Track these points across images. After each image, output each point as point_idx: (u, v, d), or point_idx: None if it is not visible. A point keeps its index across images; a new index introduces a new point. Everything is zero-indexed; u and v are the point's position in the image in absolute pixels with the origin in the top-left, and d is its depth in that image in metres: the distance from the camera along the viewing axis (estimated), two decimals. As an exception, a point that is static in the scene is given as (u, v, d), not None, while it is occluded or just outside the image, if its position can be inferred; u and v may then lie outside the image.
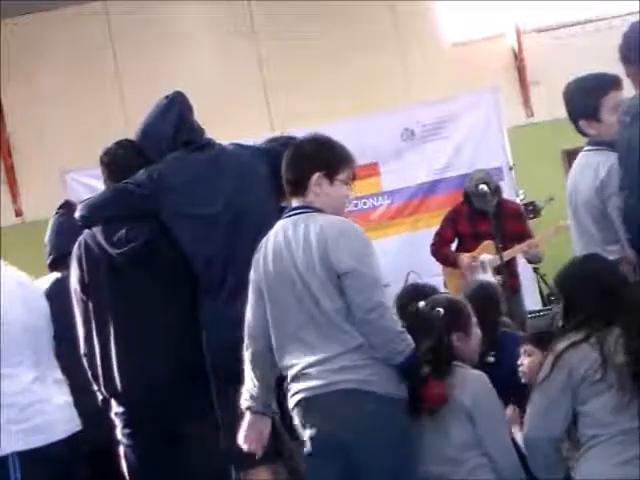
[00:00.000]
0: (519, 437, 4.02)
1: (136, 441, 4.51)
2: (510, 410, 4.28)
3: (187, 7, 11.03)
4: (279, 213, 4.52)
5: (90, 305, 4.56)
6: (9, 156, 11.22)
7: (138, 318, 4.47)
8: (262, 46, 11.08)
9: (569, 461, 3.78)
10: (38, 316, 3.92)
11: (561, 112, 4.71)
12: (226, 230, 4.44)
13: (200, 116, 4.76)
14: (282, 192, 4.68)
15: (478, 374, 3.94)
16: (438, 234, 7.88)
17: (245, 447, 3.89)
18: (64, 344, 4.05)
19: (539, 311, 8.43)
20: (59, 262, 4.98)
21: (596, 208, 4.46)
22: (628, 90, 4.43)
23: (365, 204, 9.67)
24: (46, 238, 5.12)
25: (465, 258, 7.60)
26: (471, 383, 3.87)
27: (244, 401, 3.88)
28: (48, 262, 5.06)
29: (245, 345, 3.88)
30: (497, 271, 7.36)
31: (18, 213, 10.78)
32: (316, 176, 3.76)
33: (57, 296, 4.41)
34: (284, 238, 3.75)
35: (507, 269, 7.35)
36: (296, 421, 3.77)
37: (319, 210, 3.76)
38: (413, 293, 4.80)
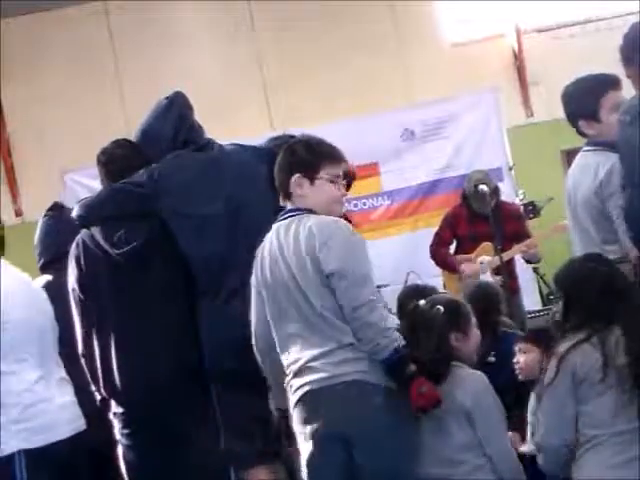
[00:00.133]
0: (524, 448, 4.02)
1: (135, 441, 4.51)
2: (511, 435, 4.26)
3: (187, 7, 11.03)
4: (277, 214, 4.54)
5: (89, 305, 4.56)
6: (9, 156, 11.22)
7: (138, 318, 4.47)
8: (262, 46, 11.08)
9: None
10: (43, 316, 3.94)
11: (561, 112, 4.71)
12: (225, 231, 4.44)
13: (200, 116, 4.76)
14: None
15: (478, 375, 3.93)
16: (437, 235, 7.88)
17: None
18: (59, 346, 4.06)
19: (539, 311, 8.43)
20: (50, 265, 4.95)
21: (595, 208, 4.46)
22: (628, 91, 4.43)
23: (365, 204, 9.68)
24: (35, 240, 5.09)
25: (466, 267, 7.59)
26: (471, 384, 3.87)
27: (271, 401, 4.01)
28: (39, 265, 5.02)
29: (254, 349, 3.96)
30: (496, 272, 7.36)
31: (18, 213, 10.77)
32: (294, 178, 3.80)
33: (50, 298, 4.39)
34: (277, 241, 3.80)
35: (506, 270, 7.35)
36: (298, 417, 3.76)
37: (310, 211, 3.79)
38: (413, 293, 4.80)
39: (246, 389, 4.35)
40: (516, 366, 4.32)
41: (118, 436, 4.54)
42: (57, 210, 5.17)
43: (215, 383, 4.43)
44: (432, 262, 7.96)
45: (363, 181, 8.66)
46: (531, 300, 8.86)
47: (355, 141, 8.08)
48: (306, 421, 3.73)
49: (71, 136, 10.74)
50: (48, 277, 4.84)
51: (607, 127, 4.48)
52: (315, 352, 3.67)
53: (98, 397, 4.54)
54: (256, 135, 7.79)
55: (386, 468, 3.63)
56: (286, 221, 3.81)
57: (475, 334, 4.10)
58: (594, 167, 4.48)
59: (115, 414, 4.53)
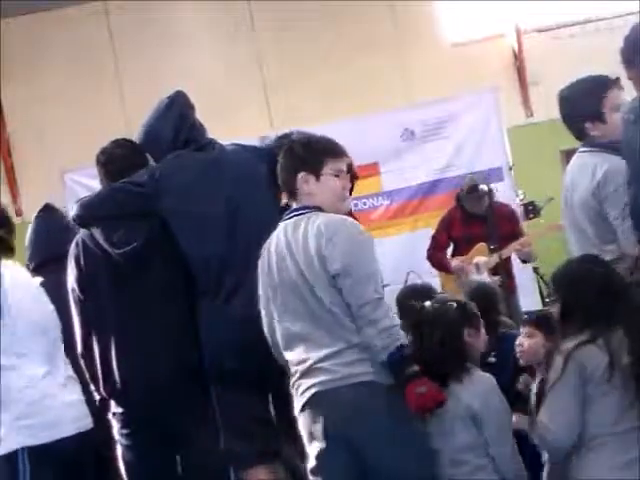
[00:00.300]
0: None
1: (135, 441, 4.51)
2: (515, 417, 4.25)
3: (187, 7, 11.03)
4: (279, 213, 4.54)
5: (88, 305, 4.56)
6: (9, 156, 11.22)
7: (138, 318, 4.47)
8: (262, 46, 11.08)
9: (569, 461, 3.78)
10: (48, 314, 3.95)
11: (561, 112, 4.72)
12: (225, 231, 4.44)
13: (200, 116, 4.76)
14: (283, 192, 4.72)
15: (487, 376, 3.93)
16: (433, 239, 7.92)
17: None
18: None
19: (539, 311, 8.42)
20: (40, 268, 4.89)
21: (593, 209, 4.47)
22: (628, 91, 4.43)
23: (365, 204, 9.66)
24: (26, 242, 5.02)
25: (455, 261, 7.63)
26: (480, 385, 3.86)
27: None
28: (31, 268, 4.93)
29: (270, 346, 3.93)
30: (493, 272, 7.37)
31: (18, 213, 10.77)
32: (300, 175, 3.80)
33: None
34: (285, 239, 3.79)
35: (503, 270, 7.36)
36: (305, 419, 3.73)
37: (318, 208, 3.79)
38: (411, 293, 4.80)
39: (246, 389, 4.35)
40: (518, 349, 4.28)
41: (117, 436, 4.54)
42: (47, 211, 5.15)
43: (215, 383, 4.43)
44: (431, 264, 7.98)
45: (363, 181, 8.60)
46: (531, 300, 8.83)
47: (355, 141, 8.01)
48: (314, 423, 3.70)
49: (71, 136, 10.73)
50: (40, 279, 4.75)
51: (612, 127, 4.49)
52: (324, 352, 3.65)
53: (97, 397, 4.54)
54: (256, 135, 7.83)
55: (401, 469, 3.60)
56: (294, 219, 3.80)
57: (483, 333, 4.11)
58: (592, 168, 4.49)
59: (114, 414, 4.53)
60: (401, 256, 9.15)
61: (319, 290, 3.66)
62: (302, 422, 3.75)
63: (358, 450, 3.63)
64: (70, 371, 3.93)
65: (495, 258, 7.41)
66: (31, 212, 5.21)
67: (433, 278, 7.57)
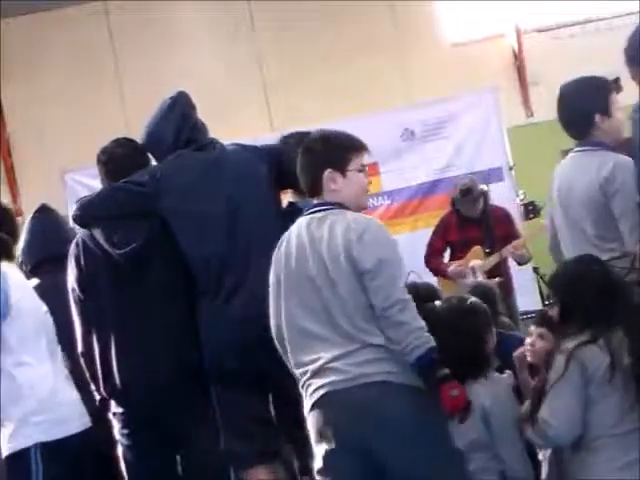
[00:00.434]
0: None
1: (135, 441, 4.51)
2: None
3: (187, 7, 11.03)
4: (280, 214, 4.54)
5: (88, 305, 4.56)
6: (9, 156, 11.22)
7: (138, 318, 4.47)
8: (262, 46, 11.07)
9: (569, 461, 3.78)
10: (44, 314, 3.97)
11: (561, 112, 4.71)
12: (225, 230, 4.43)
13: (200, 116, 4.76)
14: (283, 192, 4.73)
15: (500, 376, 3.94)
16: (429, 245, 7.93)
17: None
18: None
19: (539, 311, 8.42)
20: (36, 269, 4.86)
21: (597, 203, 4.43)
22: (629, 91, 4.43)
23: (365, 204, 9.66)
24: (21, 243, 4.93)
25: (452, 267, 7.63)
26: (492, 384, 3.86)
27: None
28: (28, 268, 4.87)
29: (275, 341, 3.83)
30: (490, 275, 7.37)
31: (18, 213, 10.67)
32: (327, 173, 3.75)
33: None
34: (308, 234, 3.72)
35: (500, 271, 7.38)
36: (315, 420, 3.66)
37: (341, 205, 3.74)
38: (416, 293, 4.79)
39: (246, 389, 4.35)
40: (529, 347, 4.22)
41: (118, 436, 4.54)
42: (43, 212, 5.13)
43: (215, 383, 4.42)
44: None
45: (363, 181, 8.65)
46: (531, 300, 8.85)
47: (355, 141, 8.07)
48: (323, 424, 3.62)
49: (71, 136, 10.73)
50: (36, 281, 4.70)
51: (616, 122, 4.51)
52: (337, 352, 3.59)
53: (97, 397, 4.54)
54: (256, 135, 7.83)
55: (417, 470, 3.53)
56: (318, 214, 3.74)
57: (494, 330, 4.11)
58: (596, 165, 4.47)
59: (115, 414, 4.53)
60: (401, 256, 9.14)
61: (341, 288, 3.60)
62: (311, 422, 3.68)
63: (370, 451, 3.55)
64: (66, 370, 3.94)
65: (491, 260, 7.42)
66: (31, 212, 5.20)
67: (433, 278, 7.56)
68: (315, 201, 3.81)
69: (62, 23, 11.07)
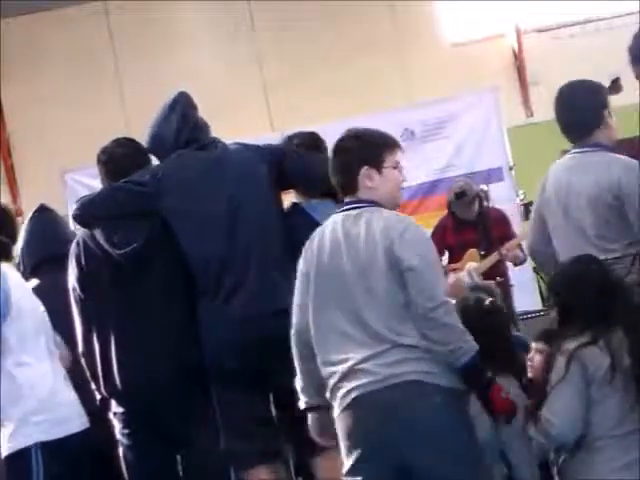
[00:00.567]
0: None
1: (135, 441, 4.51)
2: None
3: (187, 7, 11.03)
4: (280, 214, 4.54)
5: (89, 304, 4.56)
6: (9, 156, 11.23)
7: (138, 318, 4.47)
8: (262, 46, 11.08)
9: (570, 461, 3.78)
10: (43, 314, 3.97)
11: (561, 112, 4.71)
12: (225, 230, 4.43)
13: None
14: (283, 192, 4.72)
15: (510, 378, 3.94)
16: None
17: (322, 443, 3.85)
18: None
19: (539, 311, 8.42)
20: (37, 268, 4.86)
21: (603, 205, 4.41)
22: (629, 91, 4.44)
23: (365, 204, 9.65)
24: (21, 243, 4.92)
25: (451, 278, 7.61)
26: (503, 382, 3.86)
27: (301, 403, 3.81)
28: (27, 269, 4.85)
29: (292, 340, 3.78)
30: (486, 277, 7.36)
31: (18, 213, 10.70)
32: (364, 171, 3.71)
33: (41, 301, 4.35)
34: (343, 231, 3.67)
35: (498, 273, 7.38)
36: (344, 424, 3.59)
37: (376, 203, 3.71)
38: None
39: (246, 389, 4.35)
40: (529, 362, 4.24)
41: (118, 436, 4.54)
42: (42, 212, 5.13)
43: (215, 383, 4.42)
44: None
45: (363, 181, 8.64)
46: (531, 300, 8.84)
47: (355, 141, 8.06)
48: (353, 427, 3.56)
49: (71, 136, 10.73)
50: (36, 281, 4.72)
51: (614, 123, 4.51)
52: (366, 353, 3.52)
53: (98, 396, 4.54)
54: (256, 135, 7.83)
55: (448, 472, 3.48)
56: (353, 212, 3.70)
57: None
58: (604, 165, 4.43)
59: (115, 414, 4.53)
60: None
61: (376, 286, 3.55)
62: (340, 425, 3.61)
63: (398, 453, 3.49)
64: (64, 370, 3.95)
65: (487, 262, 7.40)
66: (31, 212, 5.21)
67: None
68: (347, 199, 3.77)
69: (62, 23, 11.07)
